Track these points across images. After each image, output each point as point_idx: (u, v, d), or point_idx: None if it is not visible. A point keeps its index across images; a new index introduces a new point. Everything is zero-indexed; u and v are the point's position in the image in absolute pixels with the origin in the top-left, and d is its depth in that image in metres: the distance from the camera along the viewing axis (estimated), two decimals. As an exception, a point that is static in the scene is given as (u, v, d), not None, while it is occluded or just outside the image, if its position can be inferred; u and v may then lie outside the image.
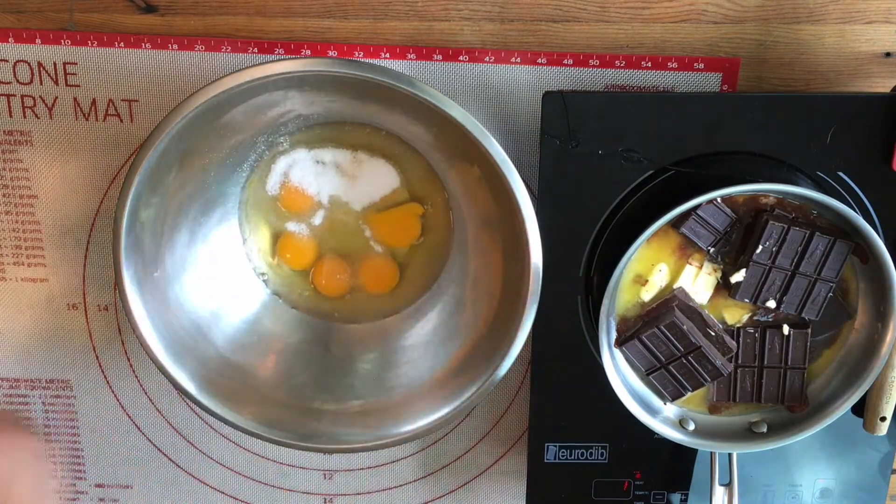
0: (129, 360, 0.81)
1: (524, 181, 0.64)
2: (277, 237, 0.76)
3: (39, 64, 0.73)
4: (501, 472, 0.84)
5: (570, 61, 0.71)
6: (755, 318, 0.70)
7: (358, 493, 0.85)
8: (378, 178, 0.73)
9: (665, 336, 0.68)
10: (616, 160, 0.68)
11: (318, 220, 0.75)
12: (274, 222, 0.75)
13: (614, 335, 0.70)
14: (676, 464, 0.77)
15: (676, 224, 0.67)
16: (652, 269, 0.69)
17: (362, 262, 0.76)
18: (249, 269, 0.76)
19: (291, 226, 0.75)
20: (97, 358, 0.82)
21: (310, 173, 0.73)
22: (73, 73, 0.73)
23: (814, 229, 0.66)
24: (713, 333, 0.69)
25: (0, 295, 0.80)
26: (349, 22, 0.71)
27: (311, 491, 0.85)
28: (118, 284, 0.67)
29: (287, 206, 0.74)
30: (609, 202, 0.69)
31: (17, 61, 0.73)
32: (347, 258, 0.76)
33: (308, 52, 0.71)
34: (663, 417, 0.71)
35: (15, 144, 0.75)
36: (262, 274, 0.76)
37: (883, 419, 0.72)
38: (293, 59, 0.65)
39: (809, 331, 0.70)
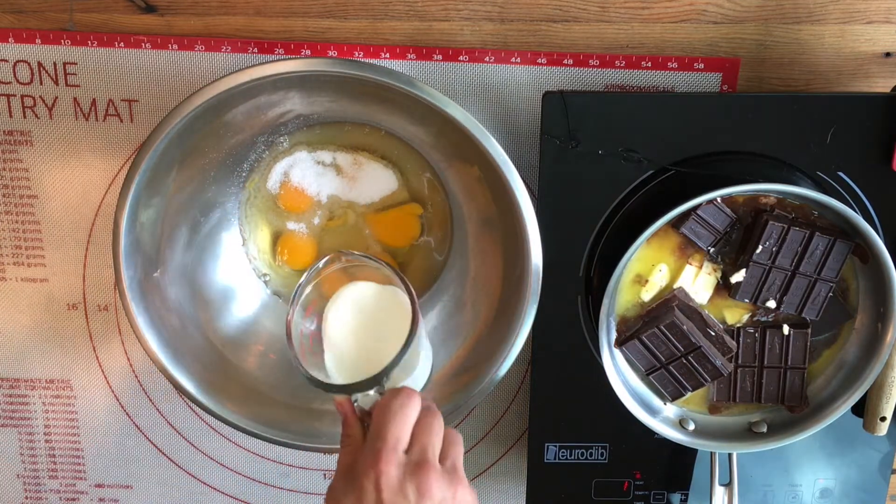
0: (129, 360, 0.81)
1: (524, 181, 0.64)
2: (277, 237, 0.76)
3: (39, 64, 0.73)
4: (501, 472, 0.84)
5: (570, 61, 0.71)
6: (755, 318, 0.70)
7: (358, 493, 0.85)
8: (378, 179, 0.73)
9: (665, 336, 0.68)
10: (616, 160, 0.68)
11: (317, 220, 0.74)
12: (274, 222, 0.75)
13: (614, 335, 0.70)
14: (676, 464, 0.77)
15: (676, 224, 0.67)
16: (652, 269, 0.69)
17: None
18: (249, 269, 0.76)
19: (291, 226, 0.75)
20: (97, 358, 0.82)
21: (310, 174, 0.73)
22: (73, 73, 0.73)
23: (814, 229, 0.66)
24: (713, 333, 0.69)
25: (0, 295, 0.80)
26: (349, 22, 0.71)
27: (311, 491, 0.85)
28: (118, 285, 0.67)
29: (287, 205, 0.74)
30: (609, 202, 0.69)
31: (17, 61, 0.73)
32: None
33: (308, 52, 0.71)
34: (663, 417, 0.71)
35: (15, 144, 0.75)
36: (265, 275, 0.76)
37: (883, 419, 0.72)
38: (293, 59, 0.65)
39: (809, 331, 0.70)
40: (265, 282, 0.77)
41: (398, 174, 0.73)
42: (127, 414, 0.83)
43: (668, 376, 0.69)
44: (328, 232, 0.75)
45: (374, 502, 0.56)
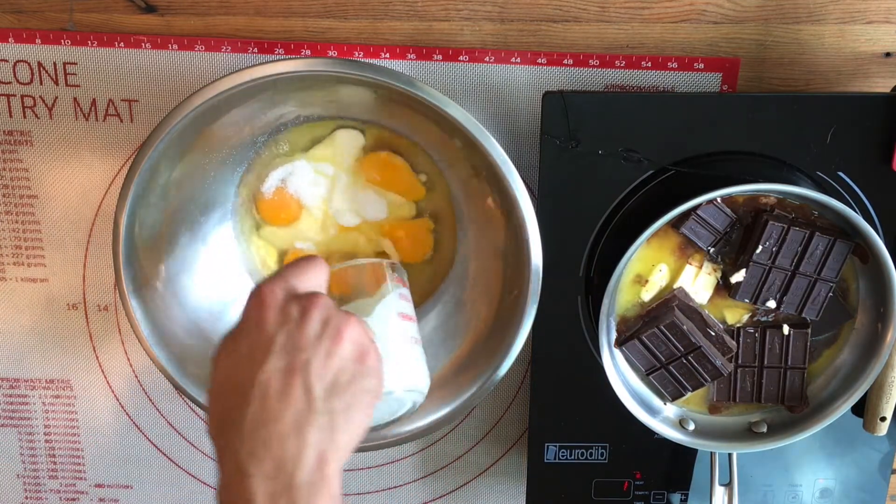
0: (129, 360, 0.81)
1: (524, 181, 0.64)
2: (283, 255, 0.75)
3: (39, 64, 0.73)
4: (501, 472, 0.84)
5: (570, 61, 0.71)
6: (755, 318, 0.70)
7: (358, 493, 0.85)
8: (374, 198, 0.73)
9: (665, 336, 0.68)
10: (616, 160, 0.68)
11: (322, 230, 0.74)
12: (269, 225, 0.75)
13: (614, 335, 0.70)
14: (676, 464, 0.77)
15: (676, 224, 0.67)
16: (652, 269, 0.69)
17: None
18: (249, 269, 0.76)
19: (286, 230, 0.74)
20: (97, 358, 0.82)
21: (306, 183, 0.72)
22: (73, 73, 0.73)
23: (814, 229, 0.66)
24: (713, 333, 0.69)
25: (0, 295, 0.80)
26: (349, 22, 0.71)
27: (311, 491, 0.85)
28: (118, 285, 0.67)
29: (277, 215, 0.74)
30: (609, 202, 0.69)
31: (17, 61, 0.73)
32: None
33: (308, 52, 0.71)
34: (663, 417, 0.71)
35: (15, 144, 0.75)
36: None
37: (883, 419, 0.72)
38: (293, 59, 0.65)
39: (809, 331, 0.70)
40: None
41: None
42: (127, 414, 0.83)
43: (668, 376, 0.69)
44: (333, 241, 0.74)
45: (256, 322, 0.52)
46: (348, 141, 0.72)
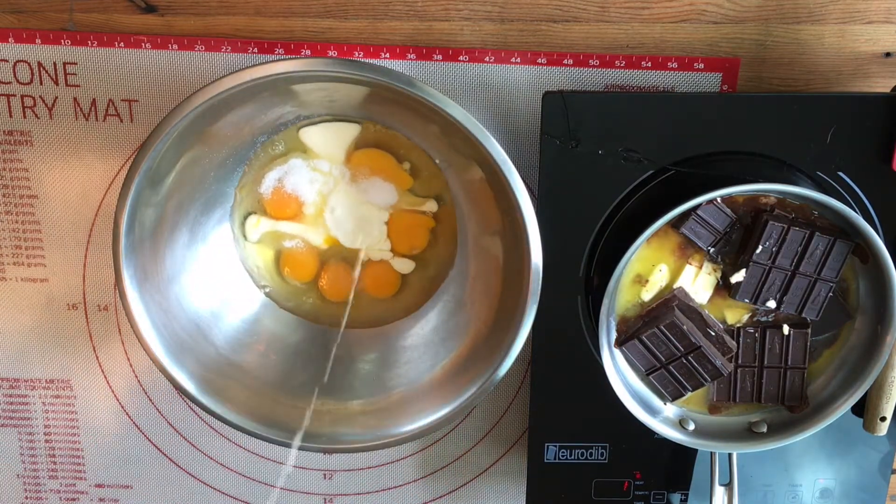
0: (129, 360, 0.81)
1: (524, 181, 0.64)
2: (279, 255, 0.75)
3: (39, 64, 0.73)
4: (501, 472, 0.84)
5: (570, 61, 0.71)
6: (755, 318, 0.70)
7: (358, 493, 0.85)
8: (378, 185, 0.73)
9: (665, 336, 0.68)
10: (616, 160, 0.68)
11: (320, 227, 0.74)
12: (269, 222, 0.75)
13: (614, 335, 0.70)
14: (676, 464, 0.77)
15: (676, 224, 0.67)
16: (652, 269, 0.69)
17: (366, 266, 0.75)
18: (249, 268, 0.76)
19: (286, 225, 0.75)
20: (97, 358, 0.82)
21: (304, 180, 0.72)
22: (73, 73, 0.73)
23: (814, 229, 0.66)
24: (713, 333, 0.69)
25: (0, 295, 0.80)
26: (349, 22, 0.71)
27: (311, 491, 0.85)
28: (118, 284, 0.67)
29: (281, 211, 0.74)
30: (609, 202, 0.69)
31: (17, 61, 0.73)
32: (352, 263, 0.75)
33: (308, 52, 0.71)
34: (663, 417, 0.71)
35: (15, 144, 0.75)
36: (264, 286, 0.76)
37: (883, 419, 0.72)
38: (293, 58, 0.65)
39: (809, 331, 0.70)
40: (267, 294, 0.76)
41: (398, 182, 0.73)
42: (127, 414, 0.83)
43: (668, 376, 0.69)
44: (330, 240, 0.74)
45: None
46: (327, 136, 0.72)
